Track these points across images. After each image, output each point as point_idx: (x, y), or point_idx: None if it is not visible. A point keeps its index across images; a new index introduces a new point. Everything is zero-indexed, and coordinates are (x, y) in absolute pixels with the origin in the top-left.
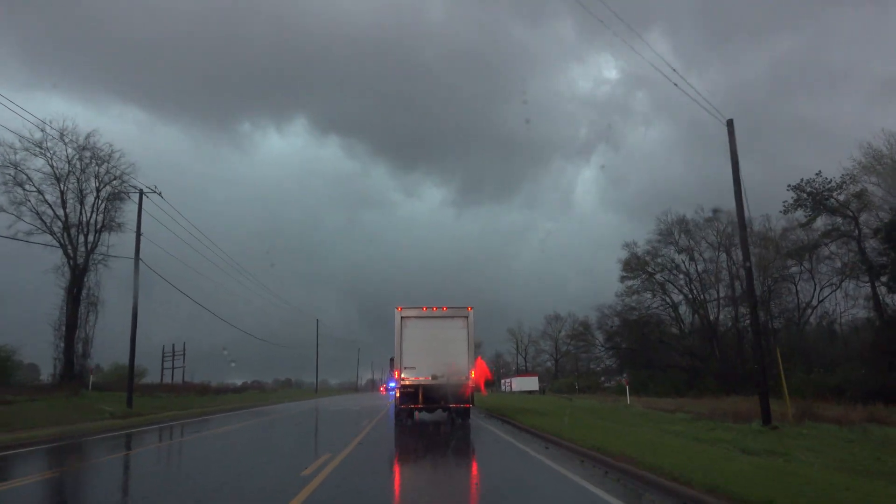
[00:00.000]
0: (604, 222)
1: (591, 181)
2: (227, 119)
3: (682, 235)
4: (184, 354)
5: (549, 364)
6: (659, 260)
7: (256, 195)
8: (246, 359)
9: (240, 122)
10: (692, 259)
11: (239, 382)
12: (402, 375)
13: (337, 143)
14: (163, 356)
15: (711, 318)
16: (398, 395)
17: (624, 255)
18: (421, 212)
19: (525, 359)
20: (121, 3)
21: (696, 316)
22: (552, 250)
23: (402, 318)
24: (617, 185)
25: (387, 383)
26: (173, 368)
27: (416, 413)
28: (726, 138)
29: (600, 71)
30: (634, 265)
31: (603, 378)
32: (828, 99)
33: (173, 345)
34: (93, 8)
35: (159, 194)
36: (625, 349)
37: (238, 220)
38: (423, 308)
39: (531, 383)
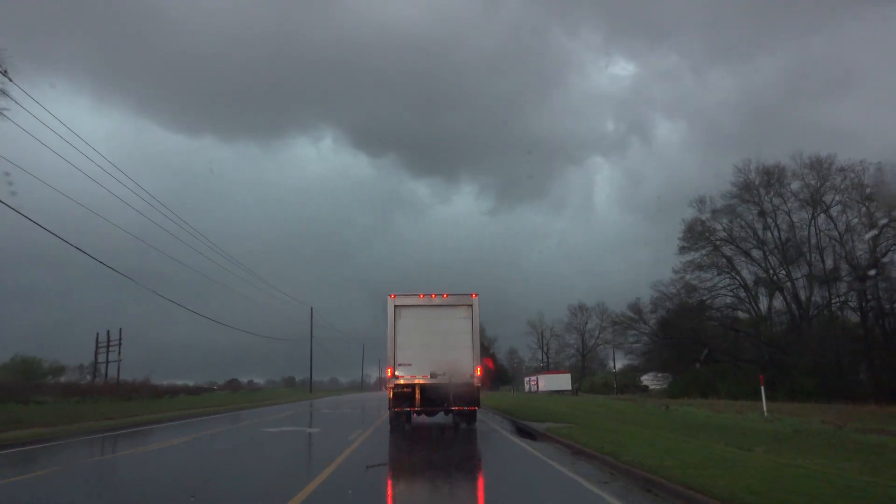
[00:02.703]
0: (621, 219)
1: (613, 179)
2: (256, 120)
3: (765, 191)
4: (119, 345)
5: (570, 361)
6: (729, 225)
7: (283, 197)
8: (249, 357)
9: (274, 126)
10: (774, 225)
11: (263, 381)
12: (397, 374)
13: (363, 146)
14: (96, 347)
15: (803, 298)
16: (391, 396)
17: (690, 213)
18: (445, 212)
19: (547, 354)
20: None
21: (774, 297)
22: (572, 245)
23: (395, 306)
24: (637, 182)
25: None
26: (107, 363)
27: (415, 415)
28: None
29: (623, 72)
30: (699, 232)
31: (644, 376)
32: (838, 102)
33: (108, 332)
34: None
35: (3, 73)
36: (683, 340)
37: (264, 221)
38: (420, 295)
39: (562, 382)
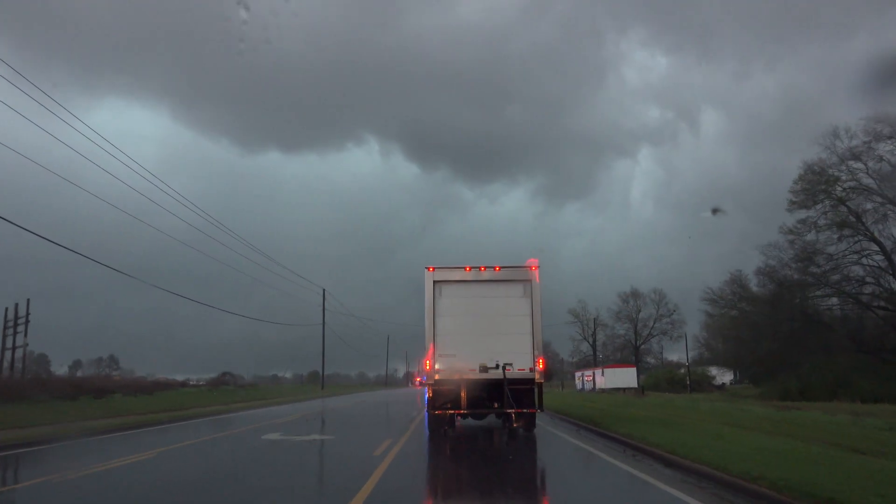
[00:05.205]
0: (657, 212)
1: (658, 171)
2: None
3: None
4: (26, 324)
5: (621, 354)
6: (874, 167)
7: (332, 200)
8: (282, 352)
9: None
10: None
11: (290, 375)
12: (437, 367)
13: (402, 146)
14: (3, 327)
15: None
16: (430, 394)
17: (813, 153)
18: (493, 208)
19: (594, 347)
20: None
21: None
22: (608, 238)
23: (434, 282)
24: (674, 176)
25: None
26: (14, 349)
27: (459, 419)
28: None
29: (665, 66)
30: (820, 180)
31: (714, 371)
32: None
33: (16, 304)
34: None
35: None
36: (797, 323)
37: (312, 222)
38: (465, 268)
39: (627, 377)
